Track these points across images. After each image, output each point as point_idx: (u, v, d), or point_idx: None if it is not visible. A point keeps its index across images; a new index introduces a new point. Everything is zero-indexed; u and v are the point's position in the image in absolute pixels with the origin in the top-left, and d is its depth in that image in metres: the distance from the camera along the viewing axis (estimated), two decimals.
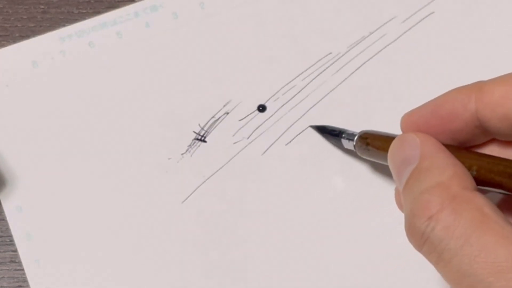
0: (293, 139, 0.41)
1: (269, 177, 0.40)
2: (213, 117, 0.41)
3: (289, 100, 0.42)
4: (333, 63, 0.42)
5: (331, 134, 0.40)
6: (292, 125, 0.41)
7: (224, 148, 0.41)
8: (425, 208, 0.27)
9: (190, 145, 0.41)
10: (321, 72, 0.42)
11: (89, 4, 0.44)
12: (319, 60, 0.42)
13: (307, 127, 0.41)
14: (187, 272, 0.39)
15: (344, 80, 0.42)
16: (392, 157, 0.31)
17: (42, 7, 0.44)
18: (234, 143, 0.41)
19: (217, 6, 0.43)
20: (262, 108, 0.41)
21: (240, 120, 0.41)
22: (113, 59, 0.42)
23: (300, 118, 0.41)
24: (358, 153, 0.37)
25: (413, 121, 0.31)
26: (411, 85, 0.41)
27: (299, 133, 0.41)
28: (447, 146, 0.30)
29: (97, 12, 0.44)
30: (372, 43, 0.42)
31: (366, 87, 0.42)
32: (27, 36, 0.43)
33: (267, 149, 0.41)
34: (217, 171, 0.40)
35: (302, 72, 0.42)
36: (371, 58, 0.42)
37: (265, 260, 0.39)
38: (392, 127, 0.41)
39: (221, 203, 0.40)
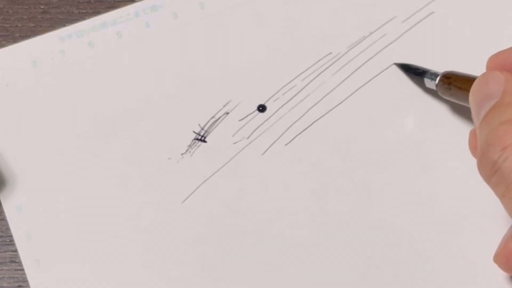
0: (293, 139, 0.41)
1: (269, 177, 0.40)
2: (213, 117, 0.41)
3: (289, 100, 0.42)
4: (333, 63, 0.42)
5: (415, 73, 0.40)
6: (292, 125, 0.41)
7: (224, 148, 0.41)
8: (501, 138, 0.27)
9: (190, 145, 0.41)
10: (321, 72, 0.42)
11: (89, 4, 0.44)
12: (319, 60, 0.42)
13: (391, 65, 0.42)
14: (187, 272, 0.39)
15: (344, 80, 0.42)
16: (475, 92, 0.31)
17: (42, 7, 0.44)
18: (234, 143, 0.41)
19: (217, 6, 0.43)
20: (262, 108, 0.41)
21: (240, 120, 0.41)
22: (113, 59, 0.42)
23: (300, 118, 0.41)
24: (439, 93, 0.38)
25: (500, 62, 0.32)
26: (411, 85, 0.41)
27: (299, 133, 0.41)
28: None
29: (97, 12, 0.44)
30: (372, 43, 0.42)
31: (366, 87, 0.42)
32: (27, 36, 0.43)
33: (267, 149, 0.41)
34: (217, 171, 0.40)
35: (302, 72, 0.42)
36: (371, 58, 0.42)
37: (265, 260, 0.39)
38: (392, 127, 0.41)
39: (221, 203, 0.40)
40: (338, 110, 0.41)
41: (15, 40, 0.43)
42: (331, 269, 0.39)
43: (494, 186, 0.28)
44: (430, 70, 0.40)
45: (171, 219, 0.39)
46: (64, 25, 0.43)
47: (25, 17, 0.44)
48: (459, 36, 0.42)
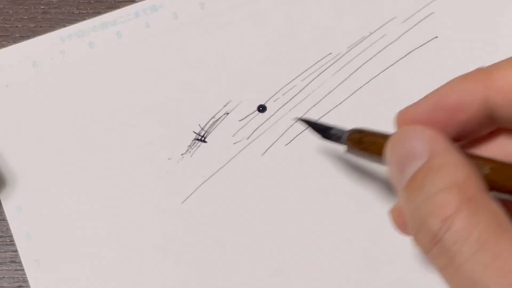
0: (293, 139, 0.41)
1: (269, 178, 0.40)
2: (213, 117, 0.41)
3: (289, 100, 0.42)
4: (333, 63, 0.42)
5: (319, 129, 0.37)
6: (292, 125, 0.41)
7: (224, 148, 0.41)
8: (441, 207, 0.25)
9: (190, 146, 0.41)
10: (321, 72, 0.42)
11: (89, 5, 0.44)
12: (319, 60, 0.42)
13: (296, 120, 0.40)
14: (186, 272, 0.39)
15: (344, 80, 0.42)
16: (392, 151, 0.29)
17: (43, 7, 0.44)
18: (234, 143, 0.41)
19: (217, 6, 0.43)
20: (262, 109, 0.41)
21: (240, 120, 0.41)
22: (113, 59, 0.42)
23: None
24: (347, 149, 0.35)
25: (413, 117, 0.29)
26: (412, 85, 0.41)
27: (299, 133, 0.41)
28: (461, 149, 0.28)
29: (97, 13, 0.44)
30: (372, 43, 0.42)
31: (366, 87, 0.42)
32: (27, 37, 0.43)
33: (267, 149, 0.41)
34: (217, 171, 0.40)
35: (302, 72, 0.42)
36: (371, 58, 0.42)
37: (265, 260, 0.39)
38: (392, 127, 0.41)
39: (221, 203, 0.40)
40: (339, 110, 0.41)
41: (15, 40, 0.43)
42: (331, 268, 0.39)
43: (434, 257, 0.26)
44: (336, 126, 0.36)
45: (171, 219, 0.39)
46: (64, 26, 0.43)
47: (25, 17, 0.44)
48: (459, 37, 0.42)
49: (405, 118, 0.30)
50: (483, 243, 0.24)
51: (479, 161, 0.28)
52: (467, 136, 0.29)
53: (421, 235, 0.26)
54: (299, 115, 0.41)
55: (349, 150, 0.35)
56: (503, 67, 0.27)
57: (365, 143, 0.33)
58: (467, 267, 0.24)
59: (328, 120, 0.41)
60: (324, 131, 0.36)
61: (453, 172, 0.26)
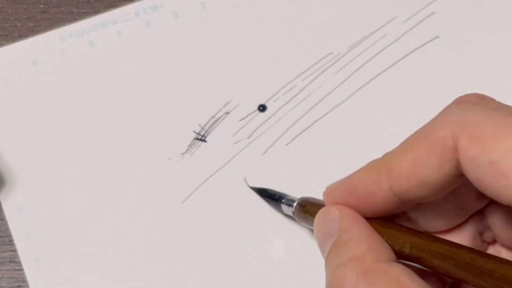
0: (293, 139, 0.41)
1: (269, 178, 0.40)
2: (213, 117, 0.41)
3: (290, 100, 0.42)
4: (334, 63, 0.42)
5: (271, 198, 0.39)
6: (292, 125, 0.41)
7: (224, 148, 0.41)
8: (340, 283, 0.27)
9: (190, 145, 0.41)
10: (322, 72, 0.42)
11: (88, 4, 0.44)
12: (320, 60, 0.42)
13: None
14: (186, 272, 0.38)
15: (344, 80, 0.42)
16: (316, 230, 0.31)
17: (42, 6, 0.44)
18: (235, 143, 0.41)
19: (218, 6, 0.43)
20: (262, 108, 0.41)
21: (240, 120, 0.41)
22: (113, 59, 0.42)
23: (300, 118, 0.41)
24: (297, 220, 0.36)
25: (334, 196, 0.31)
26: (412, 85, 0.41)
27: (300, 133, 0.41)
28: (368, 218, 0.29)
29: (96, 12, 0.44)
30: (373, 43, 0.42)
31: (367, 87, 0.42)
32: (26, 36, 0.43)
33: (268, 149, 0.41)
34: (217, 171, 0.40)
35: (303, 72, 0.42)
36: (372, 58, 0.42)
37: (265, 260, 0.39)
38: (392, 128, 0.41)
39: (221, 203, 0.40)
40: (339, 111, 0.41)
41: (14, 39, 0.43)
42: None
43: None
44: (287, 196, 0.38)
45: (171, 219, 0.39)
46: (63, 25, 0.43)
47: (25, 16, 0.44)
48: (460, 37, 0.42)
49: (328, 196, 0.31)
50: None
51: (401, 237, 0.28)
52: (386, 214, 0.30)
53: None
54: (300, 115, 0.41)
55: (299, 220, 0.36)
56: (399, 153, 0.28)
57: (309, 217, 0.34)
58: None
59: (329, 120, 0.41)
60: (276, 200, 0.38)
61: (353, 247, 0.28)
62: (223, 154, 0.41)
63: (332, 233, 0.29)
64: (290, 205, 0.37)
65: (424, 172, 0.27)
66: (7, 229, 0.39)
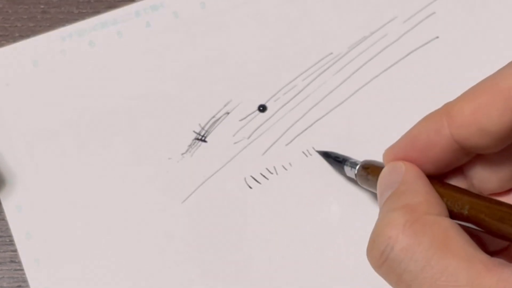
0: (293, 139, 0.41)
1: (269, 178, 0.40)
2: (213, 117, 0.41)
3: (290, 100, 0.42)
4: (334, 63, 0.42)
5: (335, 160, 0.39)
6: (292, 125, 0.41)
7: (224, 148, 0.41)
8: (387, 226, 0.27)
9: (190, 145, 0.41)
10: (322, 72, 0.42)
11: (89, 4, 0.44)
12: (320, 60, 0.42)
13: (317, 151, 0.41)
14: (186, 272, 0.38)
15: (345, 80, 0.42)
16: (380, 182, 0.31)
17: (42, 7, 0.44)
18: (235, 143, 0.41)
19: (218, 6, 0.43)
20: (262, 108, 0.41)
21: (240, 120, 0.41)
22: (114, 59, 0.42)
23: (300, 118, 0.41)
24: (359, 182, 0.37)
25: (395, 153, 0.31)
26: (412, 85, 0.41)
27: (300, 133, 0.41)
28: (438, 182, 0.30)
29: (97, 12, 0.44)
30: (373, 43, 0.42)
31: (367, 87, 0.42)
32: (27, 36, 0.43)
33: (268, 149, 0.41)
34: (218, 171, 0.40)
35: (303, 72, 0.42)
36: (372, 58, 0.42)
37: (265, 260, 0.39)
38: (393, 128, 0.41)
39: (221, 203, 0.40)
40: (339, 111, 0.41)
41: (14, 40, 0.43)
42: (331, 269, 0.38)
43: (385, 275, 0.27)
44: (350, 159, 0.38)
45: (171, 219, 0.39)
46: (63, 25, 0.43)
47: (25, 16, 0.44)
48: (460, 37, 0.42)
49: (388, 157, 0.32)
50: (428, 259, 0.25)
51: (460, 199, 0.29)
52: (448, 166, 0.31)
53: (371, 254, 0.27)
54: (300, 115, 0.41)
55: (361, 183, 0.37)
56: (461, 101, 0.28)
57: (371, 179, 0.35)
58: (416, 285, 0.25)
59: (329, 120, 0.41)
60: (340, 162, 0.39)
61: (408, 196, 0.28)
62: (223, 154, 0.41)
63: (393, 185, 0.29)
64: (353, 167, 0.37)
65: (486, 120, 0.27)
66: (7, 229, 0.39)
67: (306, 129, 0.41)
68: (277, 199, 0.40)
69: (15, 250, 0.39)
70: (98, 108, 0.41)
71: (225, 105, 0.41)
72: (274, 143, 0.41)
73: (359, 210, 0.39)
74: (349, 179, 0.39)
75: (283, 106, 0.41)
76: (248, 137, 0.41)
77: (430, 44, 0.42)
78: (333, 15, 0.43)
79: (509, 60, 0.42)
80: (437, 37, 0.42)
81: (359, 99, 0.41)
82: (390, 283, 0.27)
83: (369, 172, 0.35)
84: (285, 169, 0.40)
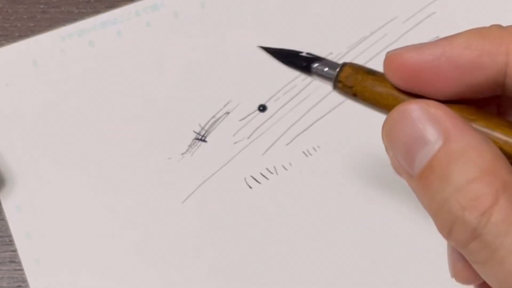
0: (293, 139, 0.41)
1: (269, 177, 0.40)
2: (213, 117, 0.41)
3: (290, 100, 0.42)
4: None
5: (293, 57, 0.29)
6: (292, 125, 0.41)
7: (224, 148, 0.41)
8: (477, 200, 0.23)
9: (190, 145, 0.41)
10: None
11: (88, 4, 0.44)
12: None
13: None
14: (187, 272, 0.39)
15: None
16: (395, 133, 0.25)
17: (42, 6, 0.44)
18: (235, 143, 0.41)
19: (218, 5, 0.43)
20: (262, 108, 0.41)
21: (240, 120, 0.41)
22: (113, 58, 0.42)
23: (300, 118, 0.41)
24: (340, 93, 0.28)
25: (411, 65, 0.25)
26: None
27: (300, 133, 0.41)
28: (482, 112, 0.25)
29: (96, 12, 0.44)
30: (373, 43, 0.42)
31: None
32: (26, 36, 0.43)
33: (268, 149, 0.41)
34: (218, 171, 0.40)
35: None
36: (372, 58, 0.42)
37: (265, 260, 0.39)
38: None
39: (221, 203, 0.40)
40: (339, 110, 0.41)
41: (14, 39, 0.43)
42: (331, 269, 0.38)
43: (472, 253, 0.24)
44: (319, 57, 0.28)
45: (171, 219, 0.39)
46: (63, 25, 0.43)
47: (25, 16, 0.44)
48: None
49: (399, 63, 0.25)
50: None
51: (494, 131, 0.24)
52: (465, 98, 0.26)
53: (457, 230, 0.24)
54: (300, 115, 0.41)
55: (338, 90, 0.28)
56: None
57: (358, 88, 0.27)
58: (511, 260, 0.23)
59: (329, 120, 0.41)
60: (305, 61, 0.28)
61: (478, 157, 0.23)
62: (223, 154, 0.41)
63: (429, 139, 0.24)
64: (329, 69, 0.28)
65: None
66: (7, 229, 0.39)
67: (306, 129, 0.41)
68: (277, 199, 0.40)
69: (15, 250, 0.39)
70: (98, 107, 0.41)
71: (225, 105, 0.41)
72: (274, 143, 0.41)
73: (359, 210, 0.39)
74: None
75: (283, 106, 0.41)
76: (248, 137, 0.41)
77: None
78: (333, 15, 0.43)
79: None
80: (437, 37, 0.42)
81: None
82: (478, 260, 0.24)
83: (356, 93, 0.28)
84: (285, 169, 0.40)
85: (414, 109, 0.24)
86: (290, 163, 0.40)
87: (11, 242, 0.39)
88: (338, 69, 0.27)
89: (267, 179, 0.40)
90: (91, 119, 0.41)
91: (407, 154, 0.25)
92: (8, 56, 0.43)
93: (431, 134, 0.24)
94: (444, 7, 0.43)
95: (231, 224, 0.39)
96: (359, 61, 0.42)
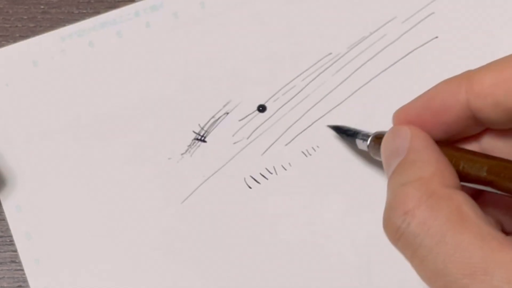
0: (293, 139, 0.41)
1: (269, 178, 0.40)
2: (213, 117, 0.41)
3: (289, 100, 0.42)
4: (333, 63, 0.42)
5: (347, 134, 0.39)
6: (292, 125, 0.41)
7: (224, 148, 0.41)
8: (402, 202, 0.27)
9: (190, 145, 0.41)
10: (321, 73, 0.42)
11: (89, 4, 0.44)
12: (319, 60, 0.42)
13: (311, 124, 0.41)
14: (186, 272, 0.39)
15: (344, 80, 0.42)
16: (384, 148, 0.31)
17: (42, 7, 0.44)
18: (234, 143, 0.41)
19: (218, 6, 0.43)
20: (262, 108, 0.41)
21: (240, 120, 0.41)
22: (113, 59, 0.42)
23: (300, 118, 0.41)
24: (371, 154, 0.36)
25: (406, 116, 0.31)
26: (411, 85, 0.41)
27: (299, 133, 0.41)
28: (440, 142, 0.29)
29: (97, 12, 0.44)
30: (372, 43, 0.42)
31: (366, 87, 0.42)
32: (27, 36, 0.43)
33: (267, 149, 0.41)
34: (217, 171, 0.40)
35: (302, 72, 0.42)
36: (371, 58, 0.42)
37: (265, 260, 0.39)
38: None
39: (221, 203, 0.40)
40: (338, 110, 0.41)
41: (15, 40, 0.43)
42: (330, 270, 0.39)
43: (401, 249, 0.27)
44: (362, 131, 0.38)
45: (171, 219, 0.39)
46: (64, 25, 0.43)
47: (25, 17, 0.44)
48: (459, 37, 0.42)
49: (399, 116, 0.31)
50: (443, 235, 0.25)
51: (477, 161, 0.28)
52: (458, 135, 0.30)
53: (388, 228, 0.27)
54: (300, 115, 0.41)
55: (373, 154, 0.36)
56: (484, 70, 0.28)
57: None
58: (430, 259, 0.25)
59: (328, 120, 0.41)
60: (351, 135, 0.38)
61: (420, 167, 0.27)
62: (223, 154, 0.41)
63: (400, 152, 0.29)
64: (365, 140, 0.36)
65: (503, 94, 0.27)
66: (7, 229, 0.40)
67: (305, 129, 0.41)
68: (277, 199, 0.40)
69: (16, 250, 0.39)
70: (97, 108, 0.42)
71: (224, 105, 0.42)
72: (273, 143, 0.41)
73: (358, 210, 0.39)
74: (360, 153, 0.39)
75: (282, 106, 0.41)
76: (248, 137, 0.41)
77: (429, 44, 0.42)
78: (332, 15, 0.43)
79: None
80: (436, 37, 0.42)
81: (358, 99, 0.41)
82: (406, 257, 0.27)
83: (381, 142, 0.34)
84: (285, 169, 0.40)
85: (397, 129, 0.30)
86: (289, 163, 0.40)
87: (11, 242, 0.39)
88: (371, 137, 0.36)
89: (267, 179, 0.40)
90: (91, 119, 0.41)
91: (387, 163, 0.30)
92: (8, 56, 0.43)
93: (401, 148, 0.29)
94: (443, 7, 0.43)
95: (230, 224, 0.39)
96: (359, 61, 0.42)
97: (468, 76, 0.29)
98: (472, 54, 0.42)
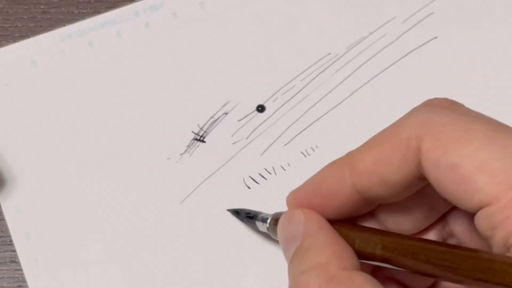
0: (292, 139, 0.41)
1: (268, 178, 0.40)
2: (212, 117, 0.41)
3: (288, 100, 0.42)
4: (332, 63, 0.42)
5: (247, 217, 0.38)
6: (291, 125, 0.41)
7: (223, 148, 0.41)
8: None
9: (189, 145, 0.41)
10: (320, 73, 0.42)
11: (89, 4, 0.44)
12: (319, 60, 0.42)
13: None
14: (186, 272, 0.39)
15: (343, 80, 0.42)
16: (280, 233, 0.30)
17: (42, 7, 0.44)
18: (233, 143, 0.41)
19: (217, 6, 0.43)
20: (261, 108, 0.41)
21: (239, 120, 0.41)
22: (113, 59, 0.42)
23: (299, 118, 0.41)
24: (272, 236, 0.35)
25: (298, 199, 0.30)
26: (411, 86, 0.41)
27: (298, 134, 0.41)
28: (336, 222, 0.29)
29: (97, 12, 0.44)
30: (371, 43, 0.42)
31: (365, 87, 0.42)
32: (27, 36, 0.43)
33: (266, 149, 0.41)
34: (216, 171, 0.40)
35: (302, 73, 0.42)
36: (370, 58, 0.42)
37: (264, 260, 0.39)
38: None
39: (220, 203, 0.40)
40: (337, 111, 0.41)
41: (15, 40, 0.43)
42: None
43: None
44: (261, 213, 0.37)
45: (170, 219, 0.39)
46: (64, 25, 0.43)
47: (25, 17, 0.44)
48: (459, 37, 0.42)
49: (292, 200, 0.31)
50: None
51: (371, 239, 0.28)
52: (353, 213, 0.30)
53: None
54: (299, 115, 0.41)
55: (274, 236, 0.35)
56: (364, 151, 0.28)
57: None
58: None
59: (327, 120, 0.41)
60: (251, 218, 0.38)
61: (316, 253, 0.27)
62: (222, 154, 0.41)
63: (296, 237, 0.28)
64: (264, 222, 0.36)
65: (386, 170, 0.27)
66: (7, 229, 0.40)
67: (304, 129, 0.41)
68: (276, 200, 0.40)
69: (15, 250, 0.39)
70: (97, 108, 0.42)
71: (223, 106, 0.42)
72: (272, 143, 0.41)
73: None
74: (264, 234, 0.38)
75: (281, 106, 0.41)
76: (247, 138, 0.41)
77: (429, 44, 0.42)
78: (331, 15, 0.43)
79: (508, 60, 0.42)
80: (436, 37, 0.42)
81: (357, 99, 0.41)
82: None
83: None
84: (284, 169, 0.40)
85: (290, 214, 0.30)
86: (288, 164, 0.40)
87: (11, 242, 0.39)
88: (269, 219, 0.35)
89: (266, 179, 0.40)
90: (90, 119, 0.41)
91: (285, 248, 0.30)
92: (8, 56, 0.43)
93: (297, 234, 0.28)
94: (442, 7, 0.43)
95: (229, 224, 0.39)
96: (358, 61, 0.42)
97: (350, 158, 0.28)
98: (471, 54, 0.42)
